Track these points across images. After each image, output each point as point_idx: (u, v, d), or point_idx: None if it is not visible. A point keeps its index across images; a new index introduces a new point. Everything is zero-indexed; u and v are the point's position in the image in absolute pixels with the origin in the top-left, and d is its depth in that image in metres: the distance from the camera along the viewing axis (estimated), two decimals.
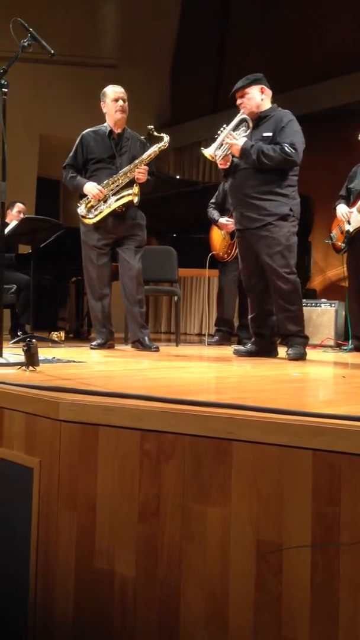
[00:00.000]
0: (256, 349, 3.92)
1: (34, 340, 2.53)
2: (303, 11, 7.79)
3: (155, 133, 4.20)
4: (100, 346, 4.28)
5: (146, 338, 4.24)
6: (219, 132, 3.85)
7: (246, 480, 1.53)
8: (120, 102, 4.19)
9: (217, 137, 3.83)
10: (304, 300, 6.16)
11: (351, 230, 4.66)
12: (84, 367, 2.97)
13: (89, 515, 1.69)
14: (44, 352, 3.17)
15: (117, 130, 4.26)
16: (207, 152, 3.81)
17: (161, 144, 4.17)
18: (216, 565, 1.54)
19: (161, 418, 1.61)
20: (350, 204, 4.73)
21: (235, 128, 3.85)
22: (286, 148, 3.68)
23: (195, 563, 1.56)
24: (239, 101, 3.86)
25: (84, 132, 4.33)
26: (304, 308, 5.88)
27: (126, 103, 4.23)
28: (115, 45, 8.88)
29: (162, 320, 9.38)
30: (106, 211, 4.15)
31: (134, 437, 1.64)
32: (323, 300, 6.18)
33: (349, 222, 4.69)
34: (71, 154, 4.33)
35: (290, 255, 3.80)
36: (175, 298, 5.35)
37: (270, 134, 3.78)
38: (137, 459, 1.63)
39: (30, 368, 2.45)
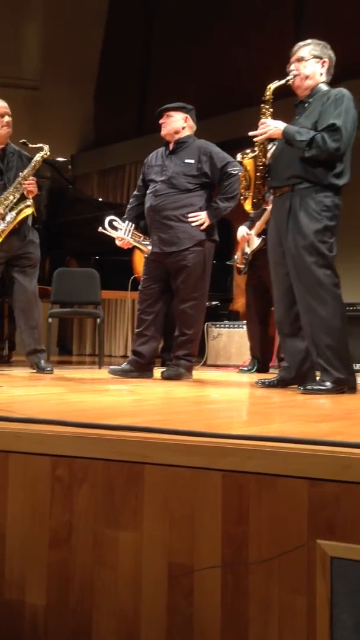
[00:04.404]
0: (131, 369, 3.93)
1: None
2: (229, 34, 7.93)
3: (31, 145, 4.17)
4: None
5: (42, 361, 4.16)
6: None
7: (158, 504, 1.54)
8: (6, 118, 4.13)
9: None
10: (227, 321, 6.32)
11: (249, 252, 4.77)
12: (1, 392, 2.90)
13: None
14: None
15: (0, 146, 4.19)
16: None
17: (42, 152, 4.13)
18: (128, 590, 1.53)
19: (72, 443, 1.59)
20: (250, 227, 4.83)
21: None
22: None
23: (107, 589, 1.55)
24: (161, 120, 4.00)
25: None
26: (229, 329, 6.04)
27: (11, 118, 4.17)
28: (37, 66, 8.85)
29: (86, 342, 9.31)
30: (8, 229, 4.04)
31: (44, 463, 1.62)
32: (245, 321, 6.29)
33: (248, 245, 4.80)
34: None
35: (204, 281, 3.91)
36: (98, 320, 5.33)
37: (192, 160, 3.89)
38: (48, 485, 1.61)
39: None
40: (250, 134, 3.23)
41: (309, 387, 2.98)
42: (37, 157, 4.12)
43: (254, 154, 3.24)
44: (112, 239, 4.16)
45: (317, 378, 3.07)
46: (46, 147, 4.15)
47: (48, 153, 4.16)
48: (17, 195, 4.04)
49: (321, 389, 2.94)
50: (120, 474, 1.57)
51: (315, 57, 3.19)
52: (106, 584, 1.55)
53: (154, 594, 1.51)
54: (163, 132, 4.01)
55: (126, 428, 1.65)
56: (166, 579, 1.50)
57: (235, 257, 5.00)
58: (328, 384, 2.96)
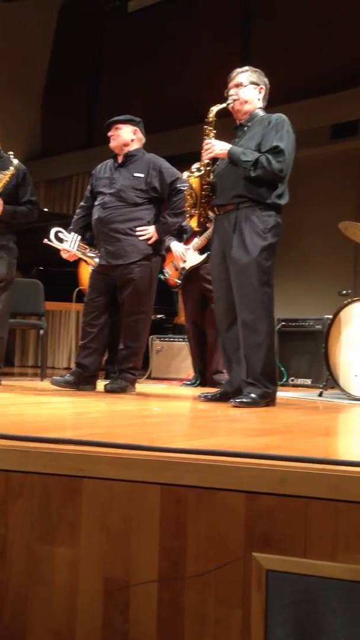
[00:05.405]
0: (75, 381, 3.89)
1: None
2: (177, 54, 8.01)
3: (13, 160, 4.10)
4: None
5: None
6: None
7: (96, 518, 1.52)
8: None
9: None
10: (172, 335, 6.33)
11: (187, 267, 4.77)
12: None
13: None
14: None
15: None
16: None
17: (8, 171, 4.07)
18: (63, 606, 1.51)
19: (8, 456, 1.57)
20: (185, 242, 4.84)
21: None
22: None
23: (42, 605, 1.52)
24: (110, 133, 3.99)
25: None
26: (172, 343, 6.04)
27: None
28: None
29: (29, 354, 9.16)
30: None
31: None
32: None
33: (184, 260, 4.79)
34: None
35: (150, 295, 3.92)
36: (41, 332, 5.26)
37: (142, 174, 3.90)
38: None
39: None
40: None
41: (238, 400, 3.02)
42: (1, 174, 4.02)
43: (200, 173, 3.29)
44: (58, 250, 4.12)
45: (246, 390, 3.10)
46: (15, 163, 4.05)
47: (14, 170, 4.04)
48: None
49: (249, 402, 3.00)
50: (57, 488, 1.55)
51: (253, 83, 3.32)
52: (41, 600, 1.52)
53: (90, 609, 1.49)
54: (112, 144, 4.01)
55: (64, 441, 1.63)
56: (102, 595, 1.49)
57: (166, 271, 4.96)
58: (254, 396, 3.02)
